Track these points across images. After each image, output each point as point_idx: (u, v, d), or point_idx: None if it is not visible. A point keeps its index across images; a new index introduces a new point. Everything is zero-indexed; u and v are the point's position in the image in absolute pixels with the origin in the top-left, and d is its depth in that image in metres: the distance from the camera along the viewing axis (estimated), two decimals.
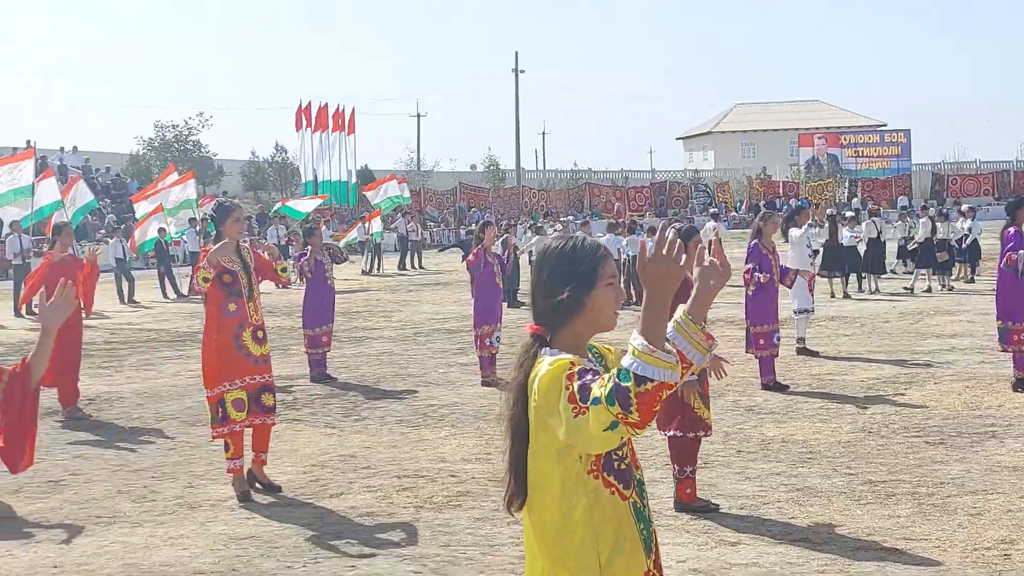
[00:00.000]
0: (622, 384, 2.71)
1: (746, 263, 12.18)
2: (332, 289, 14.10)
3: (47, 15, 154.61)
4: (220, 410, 7.98)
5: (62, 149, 48.04)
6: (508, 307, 19.72)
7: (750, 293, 12.19)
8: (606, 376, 2.80)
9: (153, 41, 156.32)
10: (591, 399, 2.78)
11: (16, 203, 22.44)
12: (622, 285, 3.23)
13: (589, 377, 2.85)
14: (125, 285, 25.80)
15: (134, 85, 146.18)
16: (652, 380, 2.70)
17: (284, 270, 8.92)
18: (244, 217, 8.62)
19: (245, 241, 8.57)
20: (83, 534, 7.25)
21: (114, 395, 12.69)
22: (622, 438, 2.84)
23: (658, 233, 2.86)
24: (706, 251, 3.00)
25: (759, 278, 12.06)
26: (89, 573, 6.43)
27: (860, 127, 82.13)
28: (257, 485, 8.27)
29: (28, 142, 46.00)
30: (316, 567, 6.50)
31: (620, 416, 2.73)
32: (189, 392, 12.76)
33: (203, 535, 7.17)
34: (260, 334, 8.20)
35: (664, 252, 2.82)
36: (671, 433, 7.51)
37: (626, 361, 2.74)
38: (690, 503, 7.53)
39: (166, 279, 27.36)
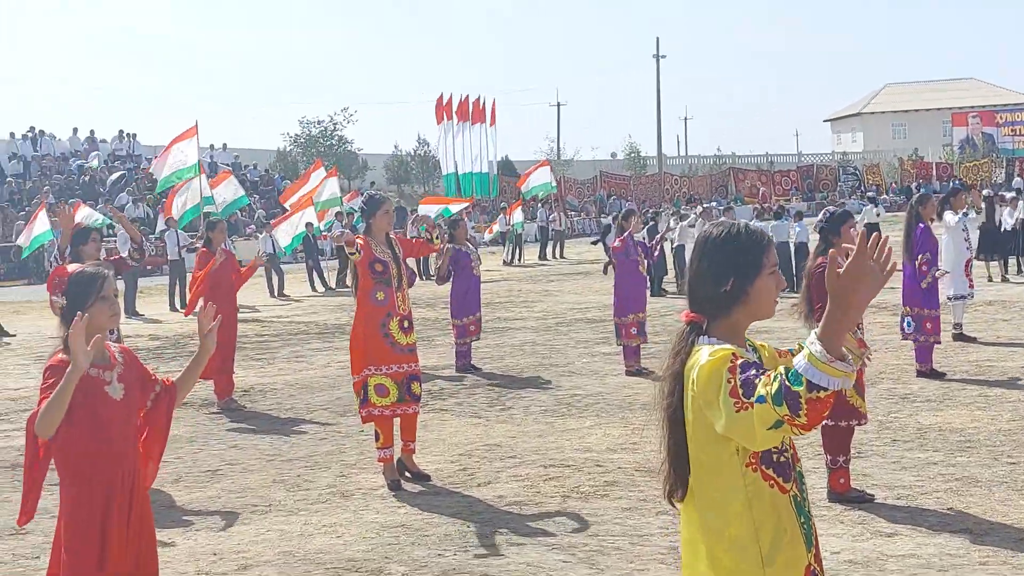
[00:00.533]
0: (792, 387, 2.63)
1: (915, 252, 11.54)
2: (478, 279, 14.20)
3: (196, 17, 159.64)
4: (363, 392, 8.17)
5: (212, 147, 49.50)
6: (652, 295, 19.59)
7: (925, 286, 11.54)
8: (771, 374, 2.72)
9: (299, 38, 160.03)
10: (756, 396, 2.71)
11: (185, 191, 23.09)
12: None
13: (753, 372, 2.78)
14: (275, 279, 26.47)
15: (280, 82, 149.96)
16: (826, 389, 2.62)
17: (431, 240, 9.05)
18: (393, 209, 8.77)
19: (393, 233, 8.68)
20: (240, 522, 7.45)
21: (267, 386, 13.02)
22: (784, 437, 2.77)
23: (858, 236, 2.69)
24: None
25: (935, 272, 11.50)
26: (246, 560, 6.60)
27: (1016, 105, 78.91)
28: (407, 474, 8.39)
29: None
30: (466, 555, 6.55)
31: (787, 417, 2.66)
32: (338, 383, 13.01)
33: (356, 523, 7.30)
34: (406, 324, 8.32)
35: (866, 254, 2.65)
36: (824, 422, 7.32)
37: (799, 364, 2.65)
38: (844, 493, 7.34)
39: (314, 273, 27.99)
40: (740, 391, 2.75)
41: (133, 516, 4.40)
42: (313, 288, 27.67)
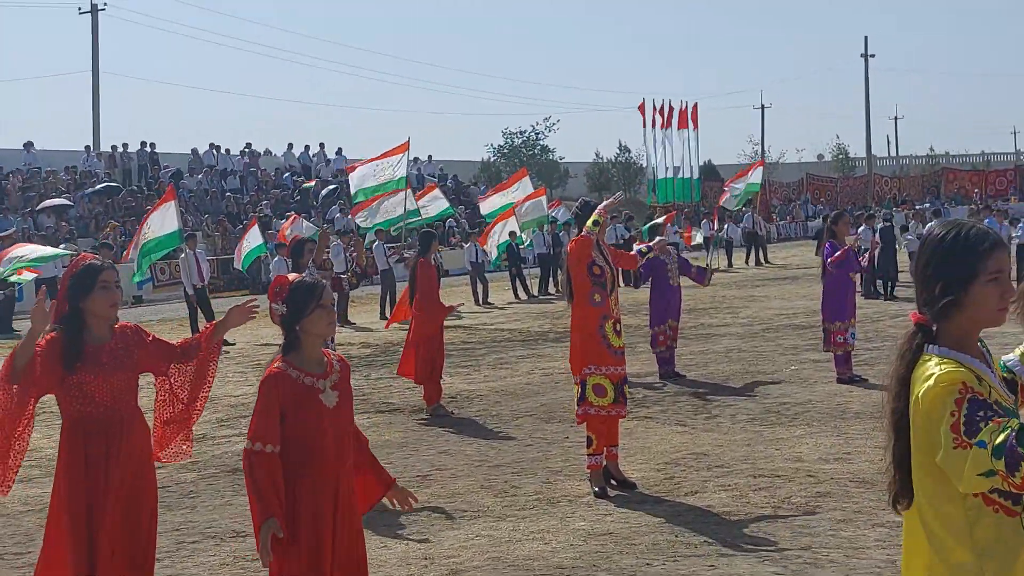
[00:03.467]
0: (1019, 449, 2.50)
1: None
2: (676, 287, 14.01)
3: (406, 32, 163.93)
4: (581, 391, 8.21)
5: (416, 159, 50.70)
6: (865, 298, 19.02)
7: None
8: (1003, 421, 2.57)
9: (500, 48, 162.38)
10: (977, 439, 2.57)
11: (387, 203, 23.65)
12: None
13: (980, 414, 2.62)
14: (480, 287, 26.89)
15: (483, 94, 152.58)
16: None
17: (641, 253, 9.15)
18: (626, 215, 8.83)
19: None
20: (450, 527, 7.56)
21: (473, 393, 13.21)
22: (994, 487, 2.63)
23: None
24: None
25: None
26: (457, 565, 6.70)
27: None
28: (612, 482, 8.36)
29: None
30: (675, 565, 6.47)
31: (1002, 473, 2.53)
32: (543, 390, 13.10)
33: (563, 530, 7.31)
34: (619, 327, 8.39)
35: None
36: None
37: None
38: None
39: (517, 280, 28.31)
40: (962, 428, 2.62)
41: (340, 520, 4.51)
42: (516, 296, 27.98)
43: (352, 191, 24.01)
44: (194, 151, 43.73)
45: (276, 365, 4.47)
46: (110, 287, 4.97)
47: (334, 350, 5.04)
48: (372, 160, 23.65)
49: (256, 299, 5.64)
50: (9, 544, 7.63)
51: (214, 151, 44.09)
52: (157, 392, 5.39)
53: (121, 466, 4.94)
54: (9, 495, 8.57)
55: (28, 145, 40.29)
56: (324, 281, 4.54)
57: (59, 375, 4.92)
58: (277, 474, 4.37)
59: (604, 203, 8.66)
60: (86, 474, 4.90)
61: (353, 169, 23.49)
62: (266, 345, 19.54)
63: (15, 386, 4.82)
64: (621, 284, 10.21)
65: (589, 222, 8.41)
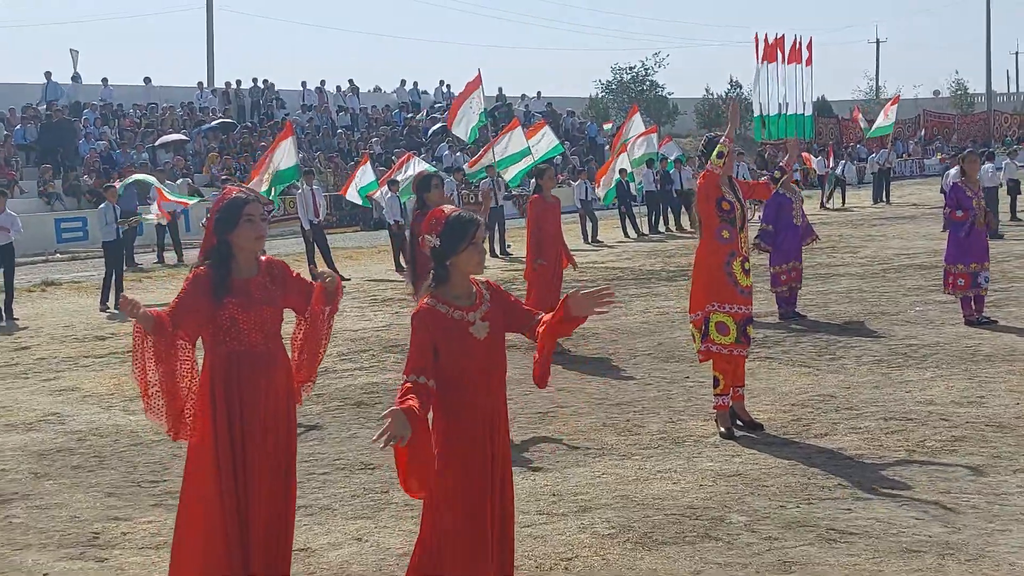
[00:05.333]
0: None
1: None
2: (799, 227, 13.69)
3: None
4: (703, 328, 8.08)
5: (523, 96, 50.41)
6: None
7: None
8: None
9: None
10: None
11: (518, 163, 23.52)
12: None
13: None
14: (589, 225, 26.74)
15: (591, 29, 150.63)
16: None
17: (774, 179, 8.88)
18: (736, 152, 8.63)
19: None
20: (576, 464, 7.55)
21: (589, 331, 13.11)
22: None
23: None
24: None
25: None
26: (586, 502, 6.68)
27: None
28: (738, 422, 8.25)
29: (499, 89, 48.78)
30: (810, 508, 6.36)
31: None
32: (659, 329, 12.99)
33: (691, 470, 7.24)
34: (747, 265, 8.20)
35: None
36: None
37: None
38: None
39: (627, 219, 28.07)
40: None
41: (497, 454, 4.52)
42: (626, 234, 27.77)
43: (465, 137, 23.81)
44: (303, 85, 44.09)
45: (425, 300, 4.45)
46: (255, 220, 4.96)
47: None
48: (458, 103, 23.40)
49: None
50: (145, 472, 7.83)
51: (324, 88, 44.40)
52: (296, 329, 5.35)
53: (266, 402, 4.97)
54: (143, 426, 8.85)
55: (147, 81, 41.05)
56: (480, 218, 4.49)
57: (208, 310, 4.93)
58: (430, 406, 4.37)
59: (726, 133, 8.39)
60: (228, 412, 4.93)
61: (453, 116, 23.18)
62: (380, 280, 19.73)
63: (153, 337, 4.84)
64: (751, 218, 10.02)
65: (713, 155, 8.21)
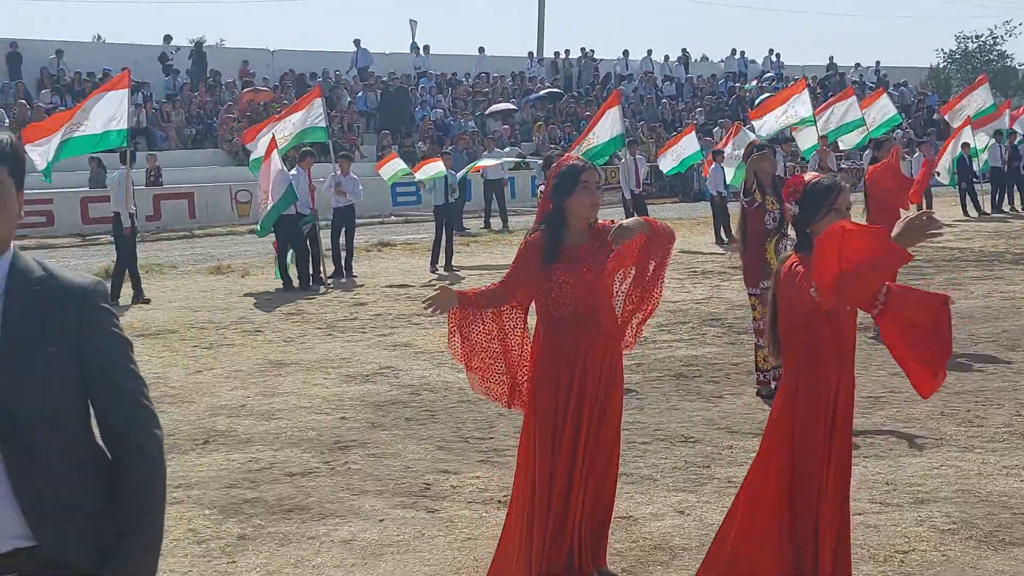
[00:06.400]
0: None
1: None
2: None
3: None
4: None
5: (858, 65, 48.41)
6: None
7: None
8: None
9: None
10: None
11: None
12: None
13: None
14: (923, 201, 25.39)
15: None
16: None
17: None
18: None
19: None
20: (910, 454, 7.13)
21: None
22: None
23: None
24: None
25: None
26: (923, 494, 6.29)
27: None
28: None
29: (830, 58, 47.15)
30: None
31: None
32: (1003, 315, 12.17)
33: None
34: None
35: None
36: None
37: None
38: None
39: (967, 196, 26.46)
40: None
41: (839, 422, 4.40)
42: (965, 212, 26.17)
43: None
44: (625, 55, 44.20)
45: (789, 264, 4.31)
46: (590, 187, 4.95)
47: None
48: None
49: None
50: (472, 428, 8.06)
51: (651, 57, 44.37)
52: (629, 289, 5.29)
53: (593, 368, 4.96)
54: (468, 383, 9.12)
55: (480, 51, 42.41)
56: (844, 183, 4.27)
57: (537, 276, 4.98)
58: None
59: None
60: (556, 377, 4.96)
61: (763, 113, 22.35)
62: (700, 252, 19.51)
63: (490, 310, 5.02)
64: None
65: None
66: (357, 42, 38.05)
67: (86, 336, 2.62)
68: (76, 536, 2.60)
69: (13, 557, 2.55)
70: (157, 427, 2.73)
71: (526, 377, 5.07)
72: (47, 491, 2.56)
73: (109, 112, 14.57)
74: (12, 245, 2.65)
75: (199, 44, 36.12)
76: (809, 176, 4.33)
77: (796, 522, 4.39)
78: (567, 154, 5.67)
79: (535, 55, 44.28)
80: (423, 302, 5.00)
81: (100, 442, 2.73)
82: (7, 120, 27.02)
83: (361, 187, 17.97)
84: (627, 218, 4.96)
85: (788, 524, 4.39)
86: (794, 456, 4.35)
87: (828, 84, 43.02)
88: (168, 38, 35.29)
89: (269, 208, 15.58)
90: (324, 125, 17.92)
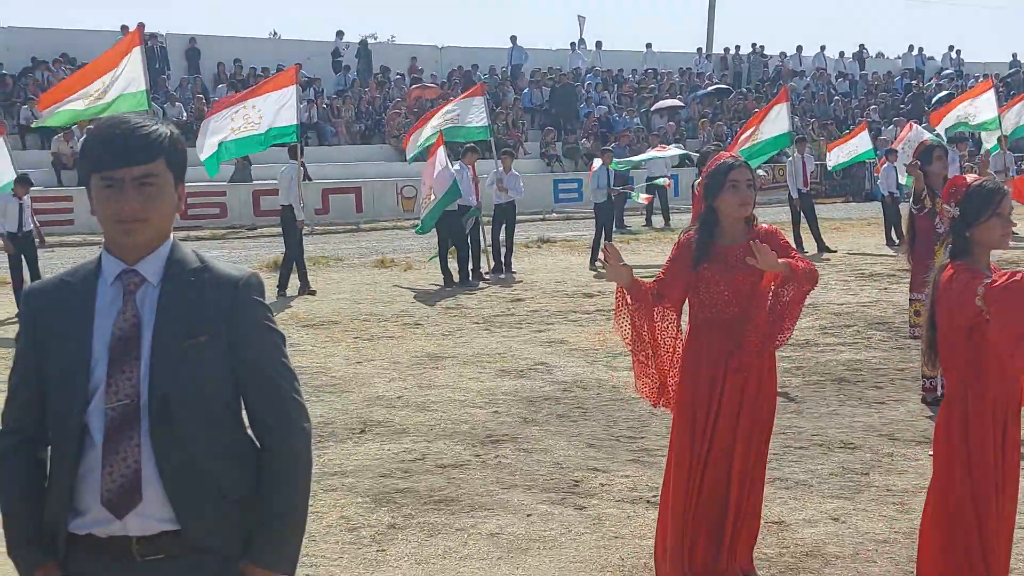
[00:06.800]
0: None
1: None
2: None
3: None
4: None
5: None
6: None
7: None
8: None
9: None
10: None
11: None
12: None
13: None
14: None
15: None
16: None
17: None
18: None
19: None
20: None
21: None
22: None
23: None
24: None
25: None
26: None
27: None
28: None
29: (1012, 55, 45.14)
30: None
31: None
32: None
33: None
34: None
35: None
36: None
37: None
38: None
39: None
40: None
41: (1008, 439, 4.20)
42: None
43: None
44: (799, 50, 43.28)
45: (951, 270, 4.13)
46: (739, 186, 4.85)
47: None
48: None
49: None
50: (624, 427, 8.01)
51: (824, 53, 43.36)
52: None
53: (741, 372, 4.87)
54: (624, 382, 9.08)
55: (647, 46, 42.16)
56: (1006, 188, 4.09)
57: (687, 276, 4.93)
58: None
59: None
60: (701, 380, 4.90)
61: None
62: (868, 254, 18.97)
63: (631, 296, 4.96)
64: None
65: None
66: (513, 39, 38.32)
67: (237, 328, 2.68)
68: (220, 522, 2.66)
69: (160, 539, 2.62)
70: (306, 420, 2.77)
71: (676, 379, 5.02)
72: (193, 476, 2.62)
73: (276, 109, 14.98)
74: (172, 236, 2.74)
75: (364, 42, 36.84)
76: (971, 178, 4.15)
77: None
78: (720, 152, 5.56)
79: (704, 50, 43.74)
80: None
81: (249, 431, 2.79)
82: (185, 114, 28.15)
83: (522, 184, 18.07)
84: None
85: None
86: (966, 479, 4.15)
87: (1012, 82, 41.23)
88: (340, 34, 36.12)
89: (432, 205, 15.82)
90: (486, 124, 18.08)
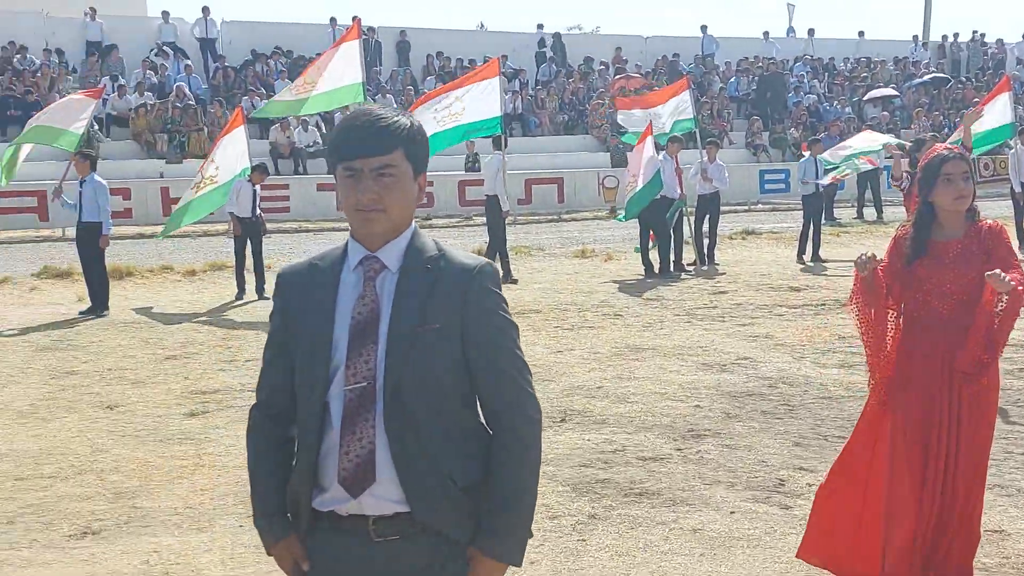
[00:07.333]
0: None
1: None
2: None
3: None
4: None
5: None
6: None
7: None
8: None
9: None
10: None
11: None
12: None
13: None
14: None
15: None
16: None
17: None
18: None
19: None
20: None
21: None
22: None
23: None
24: None
25: None
26: None
27: None
28: None
29: None
30: None
31: None
32: None
33: None
34: None
35: None
36: None
37: None
38: None
39: None
40: None
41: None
42: None
43: None
44: None
45: None
46: (954, 179, 4.61)
47: None
48: None
49: None
50: (832, 427, 7.75)
51: None
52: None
53: (950, 376, 4.64)
54: (833, 380, 8.81)
55: (860, 34, 40.84)
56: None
57: (903, 273, 4.73)
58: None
59: None
60: (912, 381, 4.69)
61: None
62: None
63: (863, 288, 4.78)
64: None
65: None
66: (704, 28, 37.64)
67: (471, 316, 2.69)
68: (449, 507, 2.68)
69: (395, 520, 2.66)
70: (536, 411, 2.77)
71: (884, 376, 4.84)
72: (424, 461, 2.65)
73: (480, 99, 15.09)
74: (413, 223, 2.79)
75: (558, 35, 36.86)
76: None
77: None
78: (935, 144, 5.29)
79: (919, 38, 42.02)
80: (861, 256, 4.68)
81: (481, 419, 2.80)
82: (395, 106, 28.80)
83: (727, 174, 17.76)
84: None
85: None
86: None
87: None
88: (540, 26, 36.32)
89: (636, 191, 15.70)
90: (691, 116, 17.87)
